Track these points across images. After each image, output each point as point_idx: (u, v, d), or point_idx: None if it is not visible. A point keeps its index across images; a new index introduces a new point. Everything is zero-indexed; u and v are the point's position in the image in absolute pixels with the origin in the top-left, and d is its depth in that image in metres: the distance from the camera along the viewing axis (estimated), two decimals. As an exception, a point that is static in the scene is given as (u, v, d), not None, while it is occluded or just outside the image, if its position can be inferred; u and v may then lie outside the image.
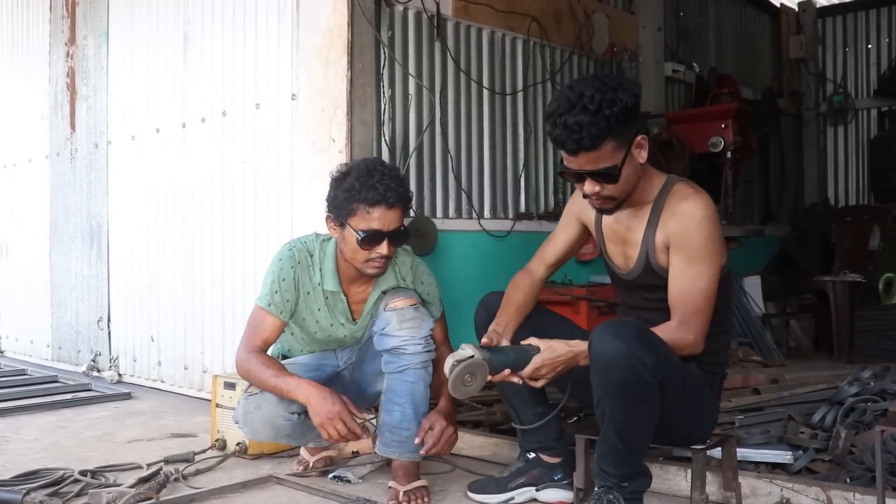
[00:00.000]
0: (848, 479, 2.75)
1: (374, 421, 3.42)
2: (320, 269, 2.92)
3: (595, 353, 2.27)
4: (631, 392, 2.23)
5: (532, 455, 2.85)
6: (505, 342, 2.59)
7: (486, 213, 5.09)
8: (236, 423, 3.02)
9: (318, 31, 4.03)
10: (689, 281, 2.39)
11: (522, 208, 5.34)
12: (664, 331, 2.36)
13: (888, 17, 8.82)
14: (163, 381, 5.08)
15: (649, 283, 2.53)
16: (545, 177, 5.56)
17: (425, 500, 2.81)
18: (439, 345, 2.99)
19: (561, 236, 2.82)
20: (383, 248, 2.75)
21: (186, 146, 4.87)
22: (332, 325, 3.02)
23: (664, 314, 2.45)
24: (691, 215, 2.39)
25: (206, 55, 4.73)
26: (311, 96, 4.08)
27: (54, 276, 6.11)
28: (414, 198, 4.66)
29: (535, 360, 2.40)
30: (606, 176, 2.35)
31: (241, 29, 4.51)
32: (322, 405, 2.69)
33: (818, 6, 8.99)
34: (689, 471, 2.75)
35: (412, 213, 4.61)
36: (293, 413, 2.88)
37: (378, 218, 2.71)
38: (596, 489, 2.42)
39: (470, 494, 2.86)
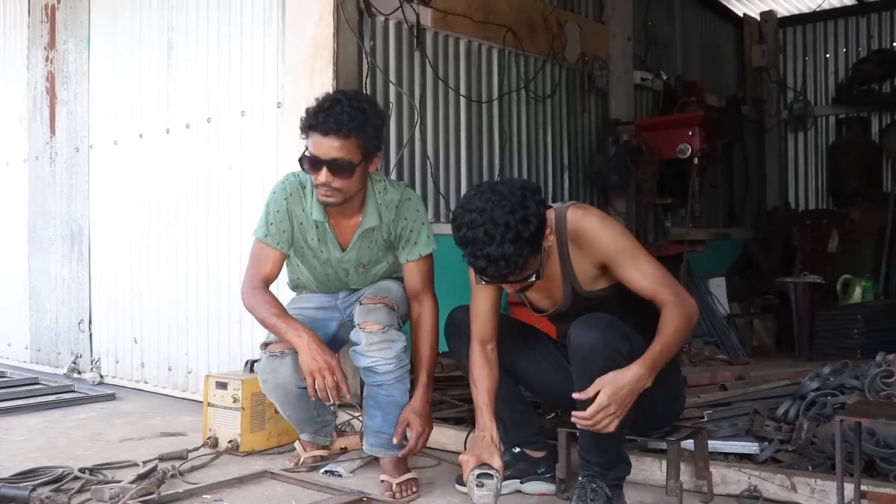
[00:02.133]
0: (810, 467, 2.95)
1: (360, 418, 3.57)
2: (311, 200, 3.00)
3: (574, 346, 2.44)
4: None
5: (517, 450, 3.00)
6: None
7: (464, 217, 5.24)
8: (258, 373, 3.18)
9: (304, 42, 4.15)
10: (647, 275, 2.49)
11: (498, 212, 5.49)
12: (671, 316, 2.40)
13: (845, 28, 9.15)
14: (146, 382, 5.16)
15: (585, 308, 2.61)
16: (519, 182, 5.72)
17: (415, 490, 2.96)
18: (419, 292, 3.07)
19: (483, 304, 2.78)
20: (321, 176, 2.78)
21: (171, 152, 4.96)
22: (323, 252, 3.10)
23: None
24: (598, 233, 2.51)
25: (191, 62, 4.83)
26: (297, 104, 4.19)
27: (33, 279, 6.15)
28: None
29: (599, 401, 2.30)
30: (529, 279, 2.47)
31: (226, 37, 4.61)
32: (315, 354, 2.83)
33: (779, 16, 9.28)
34: (664, 461, 2.93)
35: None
36: (304, 387, 2.99)
37: (314, 143, 2.75)
38: (580, 478, 2.59)
39: (458, 487, 3.00)
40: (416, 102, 4.90)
